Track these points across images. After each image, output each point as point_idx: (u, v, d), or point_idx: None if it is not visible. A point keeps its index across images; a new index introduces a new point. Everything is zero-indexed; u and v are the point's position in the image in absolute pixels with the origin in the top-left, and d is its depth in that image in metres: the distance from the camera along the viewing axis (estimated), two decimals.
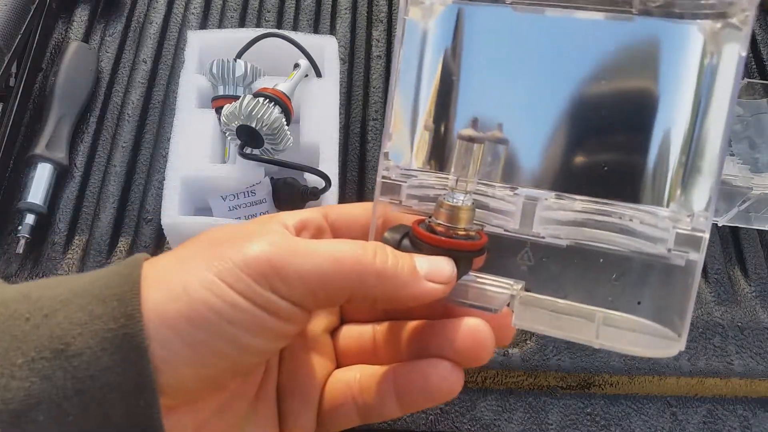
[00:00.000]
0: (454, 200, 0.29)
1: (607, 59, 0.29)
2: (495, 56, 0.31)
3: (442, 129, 0.31)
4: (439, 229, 0.29)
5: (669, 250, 0.27)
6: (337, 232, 0.31)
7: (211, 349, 0.24)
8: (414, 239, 0.29)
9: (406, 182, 0.32)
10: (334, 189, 0.46)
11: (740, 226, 0.51)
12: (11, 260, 0.47)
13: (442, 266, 0.28)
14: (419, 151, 0.32)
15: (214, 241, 0.26)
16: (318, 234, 0.30)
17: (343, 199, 0.51)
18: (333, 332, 0.33)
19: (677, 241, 0.27)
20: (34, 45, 0.56)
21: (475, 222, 0.30)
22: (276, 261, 0.25)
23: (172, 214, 0.44)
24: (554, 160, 0.30)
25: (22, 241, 0.47)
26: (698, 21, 0.27)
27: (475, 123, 0.29)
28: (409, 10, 0.31)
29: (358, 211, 0.32)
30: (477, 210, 0.30)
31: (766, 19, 0.63)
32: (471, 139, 0.29)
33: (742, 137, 0.51)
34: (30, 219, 0.48)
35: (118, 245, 0.49)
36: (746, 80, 0.51)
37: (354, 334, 0.33)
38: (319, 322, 0.33)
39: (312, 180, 0.47)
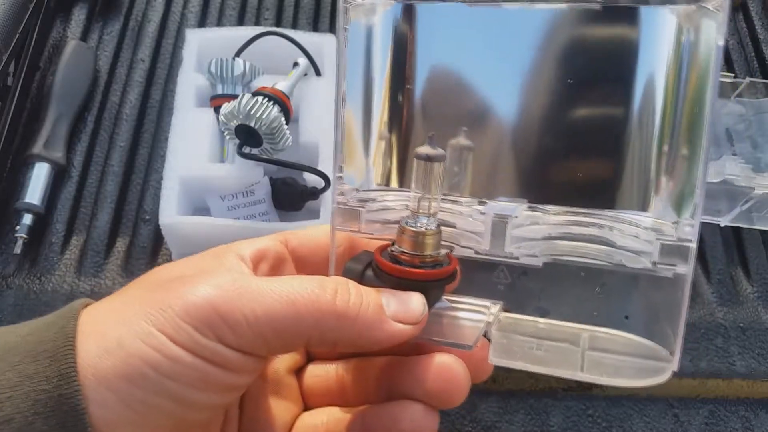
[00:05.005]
0: (418, 225, 0.26)
1: (573, 52, 0.26)
2: (451, 57, 0.28)
3: (400, 142, 0.29)
4: (404, 258, 0.26)
5: (654, 264, 0.25)
6: (301, 260, 0.29)
7: (153, 407, 0.22)
8: (377, 269, 0.26)
9: (364, 207, 0.28)
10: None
11: (742, 226, 0.51)
12: (9, 261, 0.47)
13: (412, 304, 0.25)
14: (377, 169, 0.29)
15: (157, 284, 0.24)
16: (277, 265, 0.28)
17: None
18: (299, 371, 0.31)
19: (663, 252, 0.25)
20: (32, 44, 0.55)
21: (443, 242, 0.27)
22: (221, 306, 0.22)
23: (170, 214, 0.44)
24: (524, 167, 0.27)
25: (20, 242, 0.47)
26: (670, 6, 0.25)
27: (431, 139, 0.26)
28: (350, 17, 0.28)
29: (321, 235, 0.29)
30: (444, 230, 0.27)
31: None
32: (429, 158, 0.26)
33: (745, 137, 0.50)
34: (27, 219, 0.48)
35: (116, 245, 0.49)
36: (749, 79, 0.51)
37: (320, 373, 0.30)
38: (283, 362, 0.30)
39: (311, 180, 0.47)
